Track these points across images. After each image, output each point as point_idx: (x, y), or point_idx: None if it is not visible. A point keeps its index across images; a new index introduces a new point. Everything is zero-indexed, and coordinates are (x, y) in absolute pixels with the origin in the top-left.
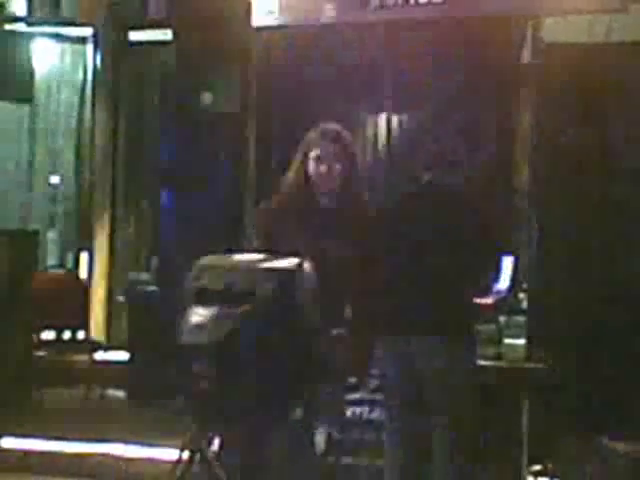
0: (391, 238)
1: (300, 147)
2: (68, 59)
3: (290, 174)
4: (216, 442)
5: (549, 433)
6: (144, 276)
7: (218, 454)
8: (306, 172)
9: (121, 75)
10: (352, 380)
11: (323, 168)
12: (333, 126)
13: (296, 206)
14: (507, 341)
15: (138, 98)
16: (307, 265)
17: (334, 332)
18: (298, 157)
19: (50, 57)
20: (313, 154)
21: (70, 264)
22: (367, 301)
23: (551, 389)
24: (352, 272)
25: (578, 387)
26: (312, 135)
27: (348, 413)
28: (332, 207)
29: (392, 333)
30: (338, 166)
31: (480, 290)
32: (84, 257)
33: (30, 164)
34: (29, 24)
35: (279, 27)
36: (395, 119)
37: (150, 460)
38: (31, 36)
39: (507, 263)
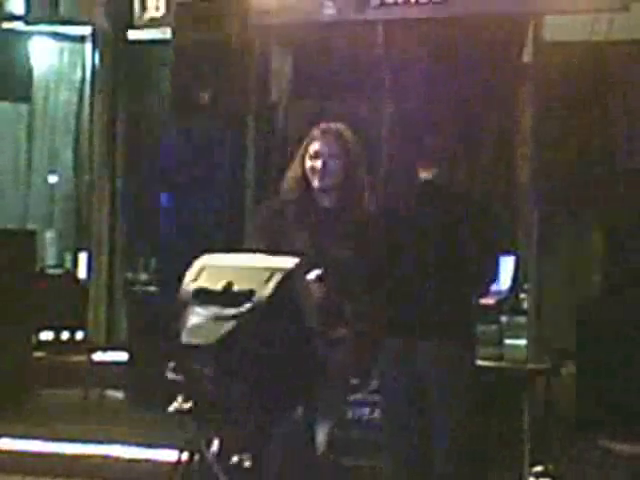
0: (391, 238)
1: (302, 145)
2: (66, 58)
3: (290, 172)
4: (215, 443)
5: (550, 434)
6: (143, 276)
7: (218, 455)
8: (304, 169)
9: (120, 74)
10: (352, 381)
11: (318, 164)
12: (335, 124)
13: (295, 204)
14: (508, 341)
15: (137, 97)
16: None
17: (334, 332)
18: (300, 153)
19: (48, 56)
20: (311, 150)
21: (69, 264)
22: (367, 301)
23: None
24: (351, 271)
25: (578, 387)
26: (313, 132)
27: (349, 414)
28: (331, 206)
29: (392, 334)
30: (334, 163)
31: (480, 290)
32: (83, 257)
33: (28, 163)
34: (27, 23)
35: (279, 26)
36: (395, 118)
37: (149, 461)
38: (29, 35)
39: (507, 263)
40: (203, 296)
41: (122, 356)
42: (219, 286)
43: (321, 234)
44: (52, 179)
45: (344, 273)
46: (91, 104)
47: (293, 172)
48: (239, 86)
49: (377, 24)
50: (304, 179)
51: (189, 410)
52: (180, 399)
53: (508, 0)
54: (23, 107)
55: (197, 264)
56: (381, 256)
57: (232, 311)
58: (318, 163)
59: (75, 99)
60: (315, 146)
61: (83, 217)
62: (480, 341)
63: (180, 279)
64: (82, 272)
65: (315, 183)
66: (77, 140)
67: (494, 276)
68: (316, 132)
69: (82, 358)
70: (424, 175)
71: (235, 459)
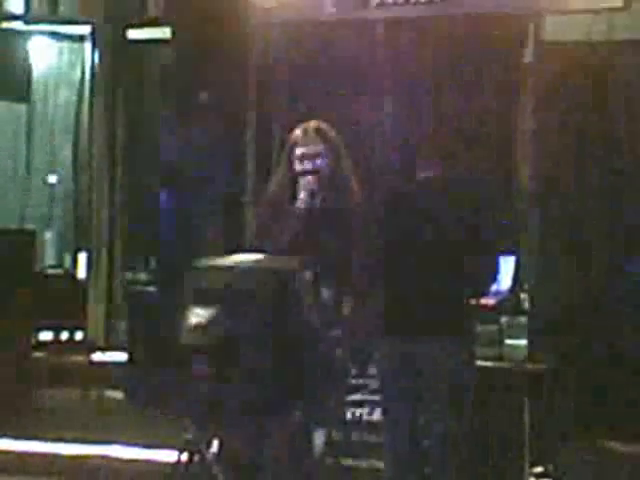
0: (389, 236)
1: (285, 146)
2: (66, 57)
3: (278, 174)
4: (215, 443)
5: (550, 434)
6: (143, 276)
7: (217, 455)
8: (292, 171)
9: (119, 73)
10: (352, 381)
11: (307, 164)
12: (316, 124)
13: (282, 205)
14: (508, 342)
15: (137, 97)
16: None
17: (333, 332)
18: (284, 156)
19: (48, 55)
20: (297, 151)
21: (68, 264)
22: (364, 299)
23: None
24: (346, 269)
25: (578, 388)
26: (296, 133)
27: (348, 414)
28: (321, 203)
29: (391, 333)
30: (322, 162)
31: (480, 290)
32: (82, 257)
33: (28, 163)
34: (26, 22)
35: (279, 24)
36: (394, 117)
37: (149, 461)
38: (29, 34)
39: (508, 263)
40: (203, 296)
41: (121, 356)
42: (219, 286)
43: (313, 232)
44: (51, 179)
45: (338, 271)
46: (90, 104)
47: (281, 174)
48: (239, 86)
49: (377, 23)
50: (291, 180)
51: (189, 410)
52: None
53: None
54: (22, 107)
55: (198, 264)
56: (378, 254)
57: (232, 311)
58: (307, 164)
59: (74, 98)
60: (301, 147)
61: (82, 217)
62: (480, 341)
63: (180, 279)
64: (81, 272)
65: (306, 185)
66: (76, 140)
67: (494, 276)
68: (299, 133)
69: (81, 358)
70: (423, 174)
71: (234, 460)
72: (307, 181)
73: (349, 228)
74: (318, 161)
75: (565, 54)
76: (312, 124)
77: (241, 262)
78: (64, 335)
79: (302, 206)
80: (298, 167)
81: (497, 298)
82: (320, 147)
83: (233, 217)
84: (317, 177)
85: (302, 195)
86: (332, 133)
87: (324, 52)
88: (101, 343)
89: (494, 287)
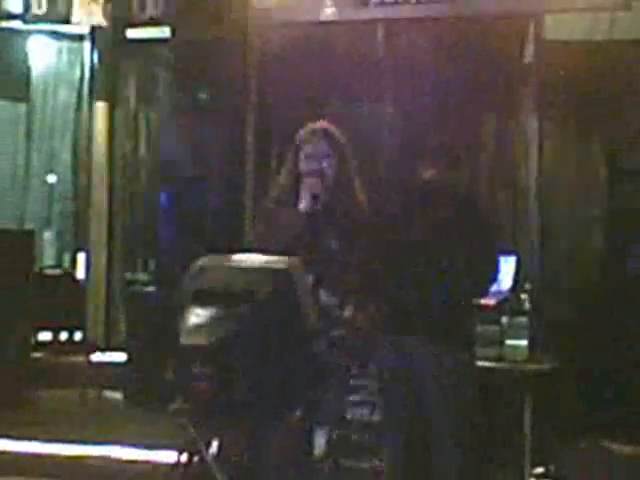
0: (390, 237)
1: (291, 147)
2: (65, 57)
3: (282, 175)
4: (215, 444)
5: (551, 435)
6: (142, 276)
7: (217, 456)
8: (297, 172)
9: (119, 73)
10: (352, 381)
11: (312, 165)
12: (322, 124)
13: (285, 206)
14: (509, 342)
15: (136, 96)
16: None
17: (334, 332)
18: (289, 157)
19: (47, 55)
20: (303, 152)
21: (67, 264)
22: (365, 300)
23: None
24: (348, 270)
25: (579, 388)
26: (301, 134)
27: (348, 414)
28: (324, 205)
29: (390, 334)
30: (327, 163)
31: (480, 291)
32: (81, 257)
33: (27, 163)
34: (25, 21)
35: (279, 24)
36: (395, 117)
37: (148, 462)
38: (27, 34)
39: (509, 263)
40: (203, 296)
41: (121, 357)
42: (219, 286)
43: (315, 234)
44: (51, 179)
45: (340, 272)
46: (90, 103)
47: (285, 174)
48: (239, 86)
49: (377, 23)
50: (296, 181)
51: (188, 410)
52: (179, 400)
53: None
54: (21, 107)
55: (197, 264)
56: (379, 255)
57: (232, 311)
58: (312, 164)
59: (74, 98)
60: (307, 148)
61: (82, 217)
62: (480, 341)
63: (179, 279)
64: (80, 272)
65: (312, 187)
66: (76, 140)
67: (494, 277)
68: (304, 133)
69: (80, 359)
70: (425, 175)
71: (234, 460)
72: (310, 183)
73: (351, 230)
74: (323, 162)
75: (566, 53)
76: (319, 124)
77: (241, 262)
78: (63, 335)
79: (305, 208)
80: (303, 167)
81: (497, 298)
82: (326, 148)
83: (233, 217)
84: (320, 179)
85: (305, 197)
86: (338, 134)
87: (324, 52)
88: (100, 343)
89: (494, 287)
